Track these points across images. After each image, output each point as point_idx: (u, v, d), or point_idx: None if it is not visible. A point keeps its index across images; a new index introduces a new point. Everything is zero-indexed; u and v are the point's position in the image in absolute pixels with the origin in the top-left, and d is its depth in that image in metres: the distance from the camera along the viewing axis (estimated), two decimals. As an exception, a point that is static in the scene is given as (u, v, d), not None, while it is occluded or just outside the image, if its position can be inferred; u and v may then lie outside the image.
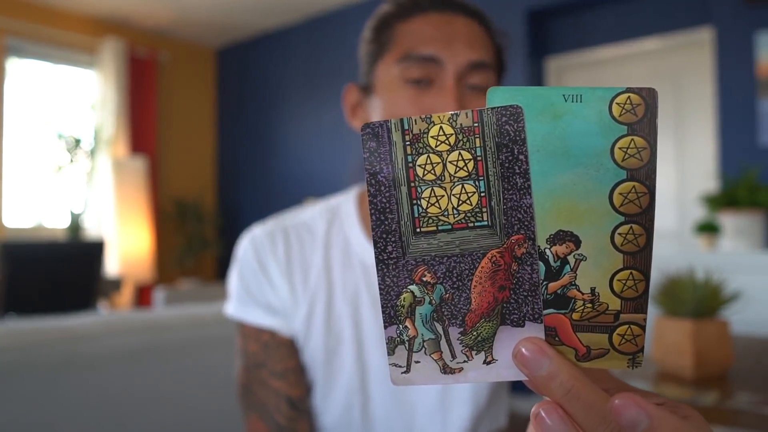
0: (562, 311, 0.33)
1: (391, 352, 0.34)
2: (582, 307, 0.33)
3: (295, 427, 0.77)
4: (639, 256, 0.32)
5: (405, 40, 0.72)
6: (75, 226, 4.27)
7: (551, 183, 0.32)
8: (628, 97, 0.31)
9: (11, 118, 4.32)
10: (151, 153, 4.92)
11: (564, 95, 0.31)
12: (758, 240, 2.64)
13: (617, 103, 0.31)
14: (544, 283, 0.33)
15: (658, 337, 1.23)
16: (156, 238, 4.91)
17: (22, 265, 3.06)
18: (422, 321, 0.34)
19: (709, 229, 2.70)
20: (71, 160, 4.32)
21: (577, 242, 0.32)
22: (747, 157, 2.81)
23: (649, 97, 0.31)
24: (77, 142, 4.30)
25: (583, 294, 0.33)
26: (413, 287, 0.33)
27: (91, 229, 4.60)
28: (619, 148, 0.31)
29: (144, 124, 4.89)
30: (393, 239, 0.33)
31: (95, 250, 3.39)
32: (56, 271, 3.22)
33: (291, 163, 4.96)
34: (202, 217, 5.14)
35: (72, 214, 4.29)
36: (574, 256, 0.32)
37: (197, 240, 5.05)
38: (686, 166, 3.31)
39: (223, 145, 5.57)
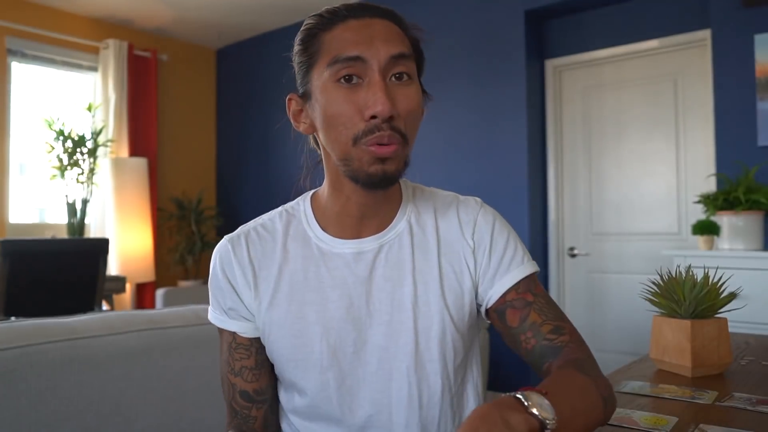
0: None
1: None
2: None
3: (248, 413, 0.91)
4: None
5: (331, 47, 0.81)
6: (75, 227, 4.27)
7: None
8: None
9: (13, 119, 4.33)
10: (151, 153, 4.92)
11: None
12: (757, 240, 2.64)
13: None
14: None
15: (656, 337, 1.23)
16: (156, 238, 4.91)
17: (22, 265, 3.05)
18: None
19: (707, 229, 2.71)
20: (71, 160, 4.31)
21: None
22: (745, 158, 2.82)
23: None
24: (77, 142, 4.30)
25: None
26: None
27: (92, 229, 4.60)
28: None
29: (144, 125, 4.89)
30: None
31: (99, 248, 3.36)
32: (58, 272, 3.20)
33: (291, 163, 4.97)
34: (202, 217, 5.14)
35: (72, 214, 4.28)
36: None
37: (197, 240, 5.05)
38: (685, 166, 3.32)
39: (223, 145, 5.58)
